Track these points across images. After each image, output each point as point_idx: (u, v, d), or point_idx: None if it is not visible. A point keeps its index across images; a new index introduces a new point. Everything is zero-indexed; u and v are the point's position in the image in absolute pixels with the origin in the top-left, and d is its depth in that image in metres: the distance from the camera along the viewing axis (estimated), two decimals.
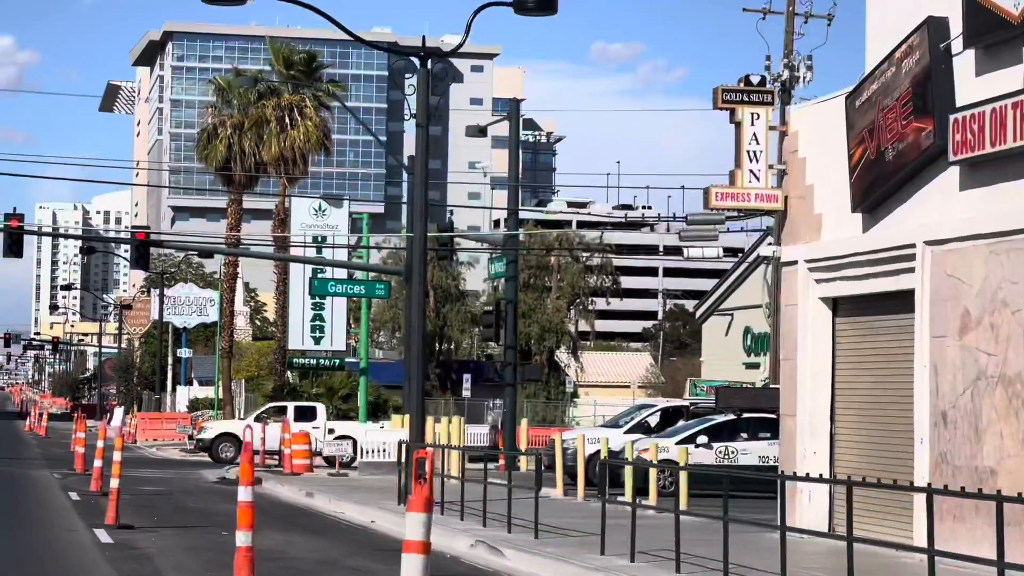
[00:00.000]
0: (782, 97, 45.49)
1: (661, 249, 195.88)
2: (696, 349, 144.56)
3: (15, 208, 50.29)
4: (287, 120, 61.42)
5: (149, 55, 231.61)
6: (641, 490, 31.49)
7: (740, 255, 64.91)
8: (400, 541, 24.35)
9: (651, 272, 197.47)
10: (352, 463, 41.61)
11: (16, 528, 25.37)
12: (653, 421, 38.95)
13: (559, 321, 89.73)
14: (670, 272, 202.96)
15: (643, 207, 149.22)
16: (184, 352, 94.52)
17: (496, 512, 25.60)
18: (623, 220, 44.41)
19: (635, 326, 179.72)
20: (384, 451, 38.07)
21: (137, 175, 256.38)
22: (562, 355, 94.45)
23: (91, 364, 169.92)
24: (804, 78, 46.57)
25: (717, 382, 39.78)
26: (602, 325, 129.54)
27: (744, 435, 35.98)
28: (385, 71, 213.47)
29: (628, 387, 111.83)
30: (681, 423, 38.04)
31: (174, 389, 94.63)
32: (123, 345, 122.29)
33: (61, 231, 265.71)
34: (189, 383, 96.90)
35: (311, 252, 56.80)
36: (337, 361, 57.14)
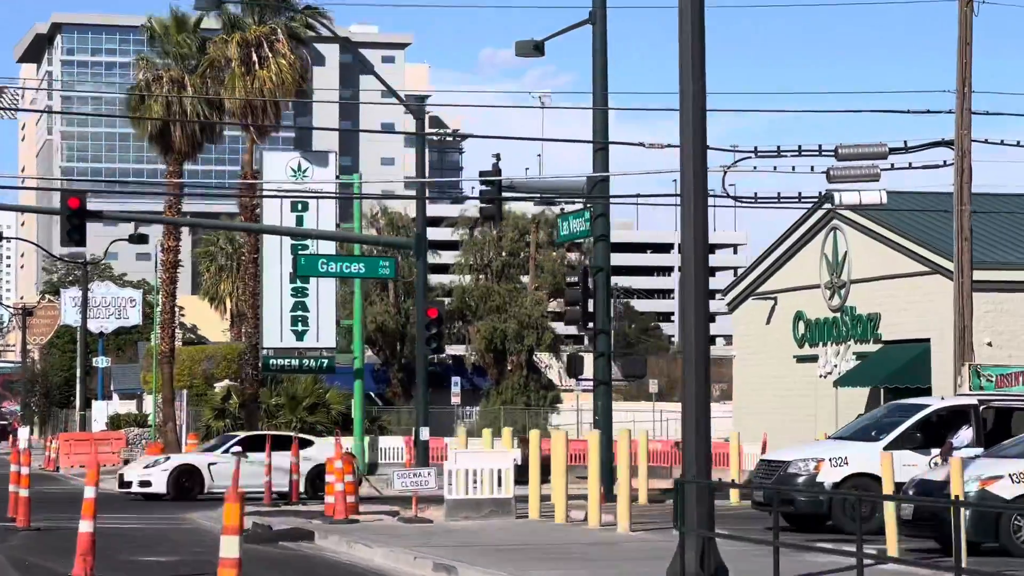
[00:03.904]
0: None
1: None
2: (646, 349, 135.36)
3: None
4: (254, 59, 48.96)
5: (36, 50, 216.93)
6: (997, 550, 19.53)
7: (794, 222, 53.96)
8: None
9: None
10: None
11: None
12: (919, 430, 26.10)
13: (539, 316, 77.88)
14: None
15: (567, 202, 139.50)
16: (101, 361, 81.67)
17: None
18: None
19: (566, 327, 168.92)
20: (474, 482, 25.76)
21: (23, 181, 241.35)
22: (542, 356, 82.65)
23: None
24: None
25: (1011, 367, 28.01)
26: None
27: None
28: None
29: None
30: (965, 430, 25.75)
31: (87, 404, 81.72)
32: (23, 358, 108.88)
33: None
34: (107, 397, 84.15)
35: (288, 222, 44.74)
36: (325, 362, 45.00)
